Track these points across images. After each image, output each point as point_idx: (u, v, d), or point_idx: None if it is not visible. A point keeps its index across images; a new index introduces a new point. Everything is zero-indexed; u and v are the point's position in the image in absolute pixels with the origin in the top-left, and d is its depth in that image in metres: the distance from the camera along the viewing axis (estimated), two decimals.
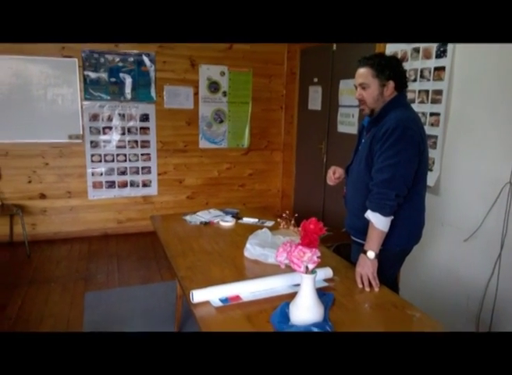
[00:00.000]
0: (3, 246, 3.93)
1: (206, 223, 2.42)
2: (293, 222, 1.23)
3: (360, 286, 1.61)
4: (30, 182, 4.04)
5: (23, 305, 2.86)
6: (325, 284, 1.60)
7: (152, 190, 4.49)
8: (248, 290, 1.54)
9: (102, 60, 4.13)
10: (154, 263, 3.62)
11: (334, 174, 2.00)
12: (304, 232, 1.20)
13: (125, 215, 4.42)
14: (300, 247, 1.21)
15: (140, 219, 4.45)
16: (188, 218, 2.51)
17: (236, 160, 4.79)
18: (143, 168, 4.42)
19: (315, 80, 4.15)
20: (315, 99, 4.18)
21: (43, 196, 4.11)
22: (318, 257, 1.21)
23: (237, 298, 1.50)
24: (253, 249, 1.86)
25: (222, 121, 4.66)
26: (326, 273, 1.63)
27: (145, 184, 4.45)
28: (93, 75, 4.11)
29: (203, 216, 2.56)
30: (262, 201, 4.96)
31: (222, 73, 4.57)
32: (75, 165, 4.15)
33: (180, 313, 2.54)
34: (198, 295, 1.48)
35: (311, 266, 1.21)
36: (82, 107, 4.10)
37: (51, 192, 4.12)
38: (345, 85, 3.63)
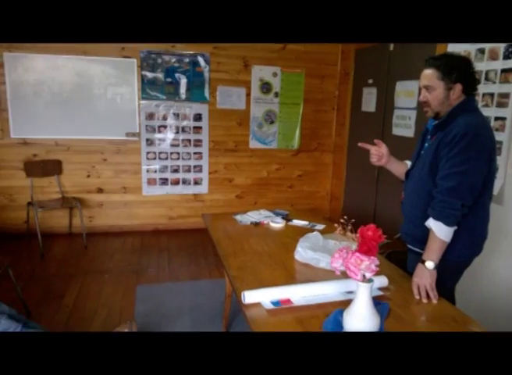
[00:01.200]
0: (63, 237, 4.16)
1: (256, 224, 2.43)
2: (350, 227, 1.20)
3: (417, 297, 1.55)
4: (88, 176, 4.24)
5: (80, 294, 3.00)
6: (380, 293, 1.55)
7: (203, 188, 4.57)
8: (300, 294, 1.52)
9: (159, 60, 4.25)
10: (203, 260, 3.69)
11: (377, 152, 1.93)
12: (361, 239, 1.17)
13: (176, 211, 4.53)
14: (357, 254, 1.18)
15: (190, 216, 4.55)
16: (239, 217, 2.53)
17: (285, 161, 4.78)
18: (195, 166, 4.51)
19: (370, 81, 4.05)
20: (369, 101, 4.07)
21: (100, 190, 4.30)
22: (376, 265, 1.18)
23: (288, 301, 1.49)
24: (304, 253, 1.84)
25: (272, 122, 4.66)
26: (381, 281, 1.58)
27: (196, 182, 4.54)
28: (150, 75, 4.24)
29: (253, 216, 2.57)
30: (310, 203, 4.91)
31: (275, 74, 4.57)
32: (131, 161, 4.31)
33: (228, 312, 2.56)
34: (250, 296, 1.48)
35: (368, 275, 1.18)
36: (139, 106, 4.25)
37: (107, 187, 4.31)
38: (402, 87, 3.51)
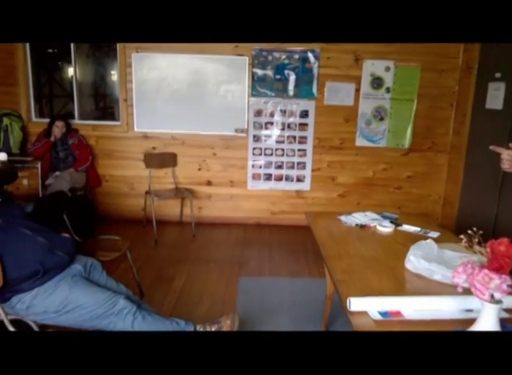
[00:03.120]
0: (174, 225, 4.47)
1: (362, 226, 2.34)
2: (477, 240, 1.08)
3: None
4: (199, 169, 4.49)
5: (187, 280, 3.19)
6: (506, 315, 1.38)
7: (305, 185, 4.55)
8: (411, 307, 1.42)
9: (270, 58, 4.31)
10: (303, 258, 3.68)
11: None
12: (492, 254, 1.04)
13: (278, 207, 4.58)
14: (485, 271, 1.06)
15: (291, 212, 4.57)
16: (343, 218, 2.46)
17: (393, 161, 4.53)
18: (298, 163, 4.51)
19: (497, 75, 3.63)
20: (496, 97, 3.66)
21: (209, 183, 4.53)
22: (508, 286, 1.04)
23: (398, 313, 1.40)
24: (417, 262, 1.72)
25: (382, 119, 4.45)
26: (509, 302, 1.41)
27: (299, 179, 4.54)
28: (260, 72, 4.33)
29: (359, 217, 2.47)
30: (419, 207, 4.60)
31: (387, 68, 4.34)
32: (238, 156, 4.46)
33: (328, 313, 2.52)
34: (356, 304, 1.42)
35: (497, 295, 1.05)
36: (248, 103, 4.36)
37: (216, 180, 4.52)
38: None
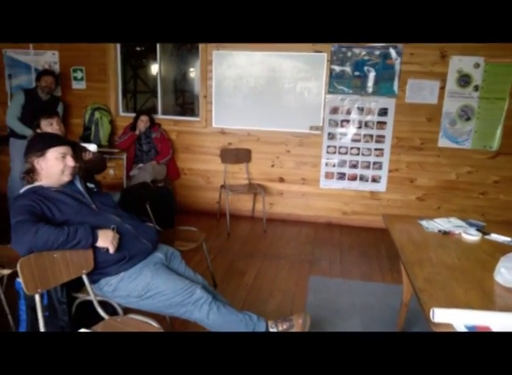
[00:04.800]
0: (246, 219, 4.56)
1: (445, 233, 2.21)
2: None
3: None
4: (272, 166, 4.53)
5: (258, 274, 3.24)
6: None
7: (381, 186, 4.40)
8: (502, 322, 1.32)
9: (349, 54, 4.21)
10: (376, 262, 3.56)
11: None
12: None
13: (351, 207, 4.49)
14: None
15: (364, 213, 4.45)
16: (424, 223, 2.35)
17: (479, 164, 4.23)
18: (374, 163, 4.37)
19: None
20: None
21: (281, 180, 4.54)
22: None
23: (487, 329, 1.31)
24: (508, 275, 1.59)
25: (468, 119, 4.16)
26: None
27: (374, 180, 4.40)
28: (338, 69, 4.25)
29: (442, 223, 2.34)
30: (506, 215, 4.25)
31: (477, 65, 4.05)
32: (311, 154, 4.43)
33: (403, 321, 2.42)
34: (440, 315, 1.35)
35: None
36: (325, 100, 4.30)
37: (288, 177, 4.52)
38: None
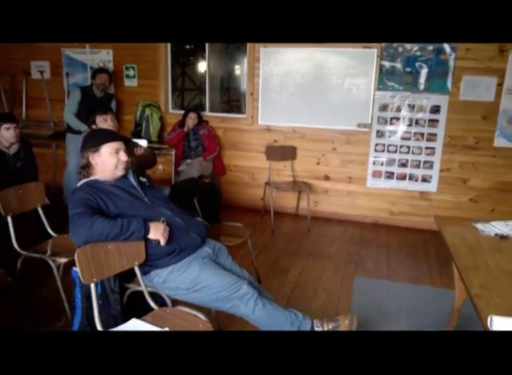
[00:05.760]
0: (290, 217, 4.54)
1: (503, 237, 2.11)
2: None
3: None
4: (318, 164, 4.48)
5: (302, 272, 3.23)
6: None
7: (431, 186, 4.25)
8: None
9: (400, 50, 4.09)
10: (425, 265, 3.45)
11: None
12: None
13: (398, 207, 4.36)
14: None
15: (413, 214, 4.32)
16: (480, 226, 2.24)
17: None
18: (425, 162, 4.22)
19: None
20: None
21: (327, 178, 4.49)
22: None
23: None
24: None
25: None
26: None
27: (424, 179, 4.25)
28: (388, 65, 4.13)
29: (499, 227, 2.23)
30: None
31: None
32: (359, 152, 4.34)
33: (454, 326, 2.33)
34: (499, 323, 1.29)
35: None
36: (374, 97, 4.20)
37: (334, 175, 4.46)
38: None
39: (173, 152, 4.39)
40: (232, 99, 6.25)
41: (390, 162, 4.29)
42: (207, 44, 4.70)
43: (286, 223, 4.34)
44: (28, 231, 2.76)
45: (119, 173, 2.10)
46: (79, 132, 4.07)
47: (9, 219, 2.51)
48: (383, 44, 4.08)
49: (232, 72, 6.05)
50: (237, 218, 3.74)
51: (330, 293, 2.91)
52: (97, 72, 4.33)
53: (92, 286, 1.81)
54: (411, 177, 4.27)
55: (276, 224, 4.17)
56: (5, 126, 3.12)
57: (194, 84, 6.63)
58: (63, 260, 2.42)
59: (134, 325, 1.83)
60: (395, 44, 4.07)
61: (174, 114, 4.78)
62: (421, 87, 4.10)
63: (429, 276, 3.24)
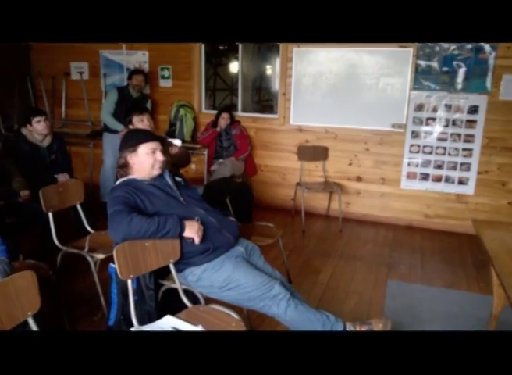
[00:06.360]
0: (321, 217, 4.51)
1: None
2: None
3: None
4: (350, 164, 4.43)
5: (333, 274, 3.20)
6: None
7: (468, 189, 4.12)
8: None
9: (437, 48, 3.99)
10: (461, 269, 3.35)
11: None
12: None
13: (433, 210, 4.25)
14: None
15: (449, 217, 4.20)
16: None
17: None
18: (462, 164, 4.10)
19: None
20: None
21: (359, 179, 4.43)
22: None
23: None
24: None
25: None
26: None
27: (461, 182, 4.13)
28: (424, 64, 4.04)
29: None
30: None
31: None
32: (392, 153, 4.26)
33: None
34: None
35: None
36: (409, 97, 4.12)
37: (366, 176, 4.40)
38: None
39: (206, 152, 4.44)
40: (262, 99, 6.26)
41: (425, 164, 4.19)
42: (240, 45, 4.74)
43: (317, 224, 4.32)
44: (66, 228, 2.87)
45: (156, 172, 2.15)
46: (115, 131, 4.19)
47: (50, 215, 2.61)
48: (419, 43, 3.99)
49: (263, 72, 6.06)
50: (268, 218, 3.75)
51: (362, 296, 2.87)
52: (133, 73, 4.44)
53: (129, 282, 1.86)
54: (447, 179, 4.16)
55: (307, 225, 4.15)
56: (36, 119, 3.30)
57: (226, 84, 6.69)
58: (101, 256, 2.49)
59: (168, 322, 1.86)
60: (431, 43, 3.97)
61: (207, 114, 4.84)
62: (459, 86, 3.99)
63: (465, 281, 3.14)
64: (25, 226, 2.96)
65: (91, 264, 2.49)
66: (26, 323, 1.56)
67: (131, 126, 3.01)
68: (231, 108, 4.81)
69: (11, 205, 2.92)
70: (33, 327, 1.57)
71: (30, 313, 1.55)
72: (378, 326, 1.97)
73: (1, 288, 1.47)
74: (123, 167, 2.16)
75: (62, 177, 3.36)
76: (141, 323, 1.88)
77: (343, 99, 4.33)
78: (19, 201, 2.99)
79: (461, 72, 3.97)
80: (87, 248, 2.56)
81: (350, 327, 1.99)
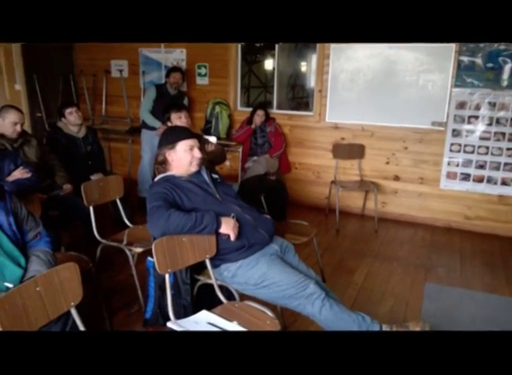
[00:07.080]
0: (356, 217, 4.45)
1: None
2: None
3: None
4: (387, 163, 4.33)
5: (368, 275, 3.15)
6: None
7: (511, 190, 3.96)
8: None
9: (481, 44, 3.83)
10: (502, 273, 3.22)
11: None
12: None
13: (474, 211, 4.10)
14: None
15: (490, 219, 4.04)
16: None
17: None
18: (505, 164, 3.93)
19: None
20: None
21: (396, 178, 4.33)
22: None
23: None
24: None
25: None
26: None
27: (504, 183, 3.96)
28: (467, 60, 3.89)
29: None
30: None
31: None
32: (432, 152, 4.14)
33: None
34: None
35: None
36: (450, 94, 3.98)
37: (404, 175, 4.29)
38: None
39: (240, 149, 4.46)
40: (296, 96, 6.23)
41: (467, 164, 4.05)
42: None
43: (352, 224, 4.26)
44: (105, 221, 2.95)
45: (193, 169, 2.18)
46: (153, 128, 4.27)
47: (91, 209, 2.70)
48: None
49: (299, 69, 6.03)
50: (301, 216, 3.72)
51: (398, 298, 2.81)
52: (171, 71, 4.50)
53: (166, 276, 1.90)
54: (490, 180, 4.00)
55: (341, 224, 4.10)
56: (68, 110, 3.44)
57: (260, 82, 6.69)
58: (139, 250, 2.55)
59: (204, 317, 1.89)
60: None
61: (242, 111, 4.85)
62: (505, 83, 3.82)
63: (507, 286, 3.02)
64: (67, 219, 3.07)
65: (129, 257, 2.56)
66: (68, 312, 1.62)
67: (169, 123, 3.06)
68: (266, 105, 4.81)
69: (54, 198, 3.04)
70: (76, 317, 1.63)
71: (72, 304, 1.61)
72: (415, 329, 1.93)
73: (47, 279, 1.54)
74: (162, 164, 2.20)
75: (96, 177, 3.46)
76: (177, 316, 1.92)
77: (380, 96, 4.24)
78: (61, 195, 3.10)
79: (507, 68, 3.80)
80: (125, 242, 2.64)
81: (386, 329, 1.96)
